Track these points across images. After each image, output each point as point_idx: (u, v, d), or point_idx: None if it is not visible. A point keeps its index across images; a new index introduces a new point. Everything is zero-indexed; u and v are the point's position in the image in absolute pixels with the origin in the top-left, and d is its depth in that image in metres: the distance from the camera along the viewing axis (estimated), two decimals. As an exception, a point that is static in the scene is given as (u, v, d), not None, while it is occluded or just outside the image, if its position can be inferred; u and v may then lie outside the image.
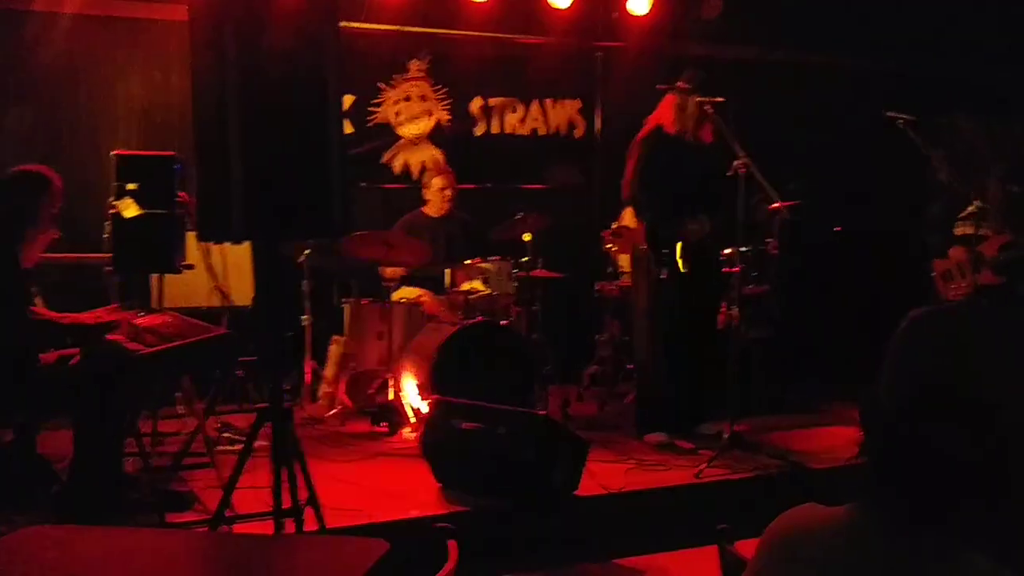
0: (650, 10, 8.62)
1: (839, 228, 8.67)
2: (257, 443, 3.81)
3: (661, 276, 6.09)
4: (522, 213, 7.27)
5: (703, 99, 6.04)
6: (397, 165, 8.45)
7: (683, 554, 4.93)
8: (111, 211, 5.18)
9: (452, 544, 2.34)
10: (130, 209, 5.12)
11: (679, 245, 6.10)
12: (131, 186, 5.14)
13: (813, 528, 1.57)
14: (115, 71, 7.55)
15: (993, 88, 8.74)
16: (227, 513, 4.13)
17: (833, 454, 5.99)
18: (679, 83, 6.23)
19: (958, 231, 6.75)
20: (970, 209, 6.30)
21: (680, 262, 6.08)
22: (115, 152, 5.37)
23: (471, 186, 8.23)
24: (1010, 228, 6.45)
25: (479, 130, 8.75)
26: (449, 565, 2.26)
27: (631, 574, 4.86)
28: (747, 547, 2.05)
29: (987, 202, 6.22)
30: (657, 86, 6.36)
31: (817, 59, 9.09)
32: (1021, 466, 1.41)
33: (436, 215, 7.59)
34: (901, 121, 6.18)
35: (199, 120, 3.58)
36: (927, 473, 1.42)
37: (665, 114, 6.30)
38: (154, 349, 4.55)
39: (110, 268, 5.38)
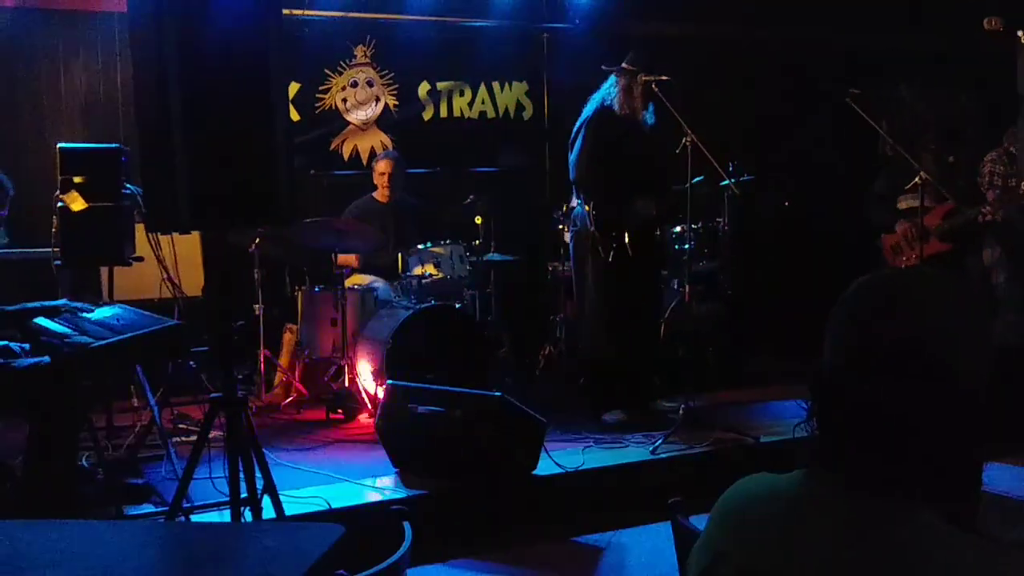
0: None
1: (788, 203, 8.75)
2: (213, 433, 3.82)
3: (608, 258, 6.11)
4: (473, 196, 7.27)
5: (649, 77, 6.07)
6: (346, 151, 8.43)
7: (641, 530, 4.99)
8: (58, 205, 5.13)
9: (407, 525, 2.37)
10: (77, 202, 5.07)
11: (625, 226, 6.12)
12: (77, 179, 5.10)
13: (763, 495, 1.58)
14: (57, 64, 7.46)
15: (938, 57, 8.83)
16: (184, 504, 4.12)
17: (786, 426, 6.07)
18: (625, 64, 6.25)
19: (902, 205, 6.85)
20: (915, 181, 6.38)
21: (627, 245, 6.10)
22: (60, 145, 5.31)
23: (421, 170, 8.24)
24: (952, 197, 6.55)
25: (427, 114, 8.74)
26: (404, 546, 2.28)
27: (590, 552, 4.90)
28: (702, 521, 2.08)
29: (927, 173, 6.30)
30: (602, 67, 6.37)
31: (764, 34, 9.14)
32: (968, 423, 1.43)
33: (385, 201, 7.58)
34: (847, 95, 6.25)
35: (142, 111, 3.57)
36: (872, 432, 1.43)
37: (611, 95, 6.30)
38: (106, 341, 4.52)
39: (59, 262, 5.34)
